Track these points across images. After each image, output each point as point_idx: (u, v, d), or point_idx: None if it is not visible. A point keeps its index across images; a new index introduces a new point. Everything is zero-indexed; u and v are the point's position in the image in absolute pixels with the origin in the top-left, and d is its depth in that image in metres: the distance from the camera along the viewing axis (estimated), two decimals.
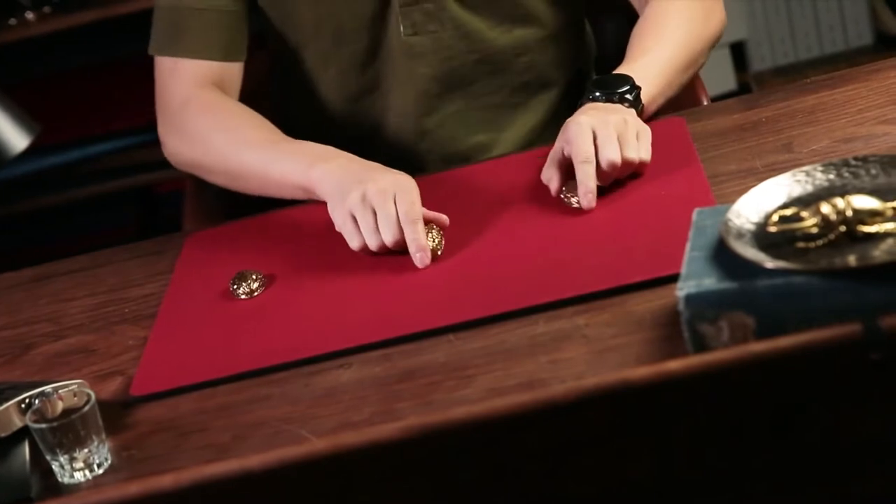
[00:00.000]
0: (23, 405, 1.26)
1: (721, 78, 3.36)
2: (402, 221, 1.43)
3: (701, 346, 1.15)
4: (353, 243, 1.47)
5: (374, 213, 1.45)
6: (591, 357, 1.21)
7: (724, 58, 3.40)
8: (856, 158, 1.25)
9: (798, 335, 1.10)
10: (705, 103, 1.77)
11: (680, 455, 1.15)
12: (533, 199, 1.50)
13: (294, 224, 1.61)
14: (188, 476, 1.16)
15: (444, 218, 1.47)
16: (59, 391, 1.26)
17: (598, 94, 1.55)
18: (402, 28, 1.67)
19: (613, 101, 1.54)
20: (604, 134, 1.46)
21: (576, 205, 1.44)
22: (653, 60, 1.60)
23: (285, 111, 1.83)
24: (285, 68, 1.79)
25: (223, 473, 1.16)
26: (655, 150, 1.53)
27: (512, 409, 1.14)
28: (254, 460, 1.15)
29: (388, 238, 1.44)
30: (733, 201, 1.24)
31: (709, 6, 1.67)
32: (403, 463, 1.16)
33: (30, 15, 3.07)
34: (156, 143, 1.75)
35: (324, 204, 1.63)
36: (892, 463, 1.15)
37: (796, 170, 1.26)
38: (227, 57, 1.70)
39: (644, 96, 1.56)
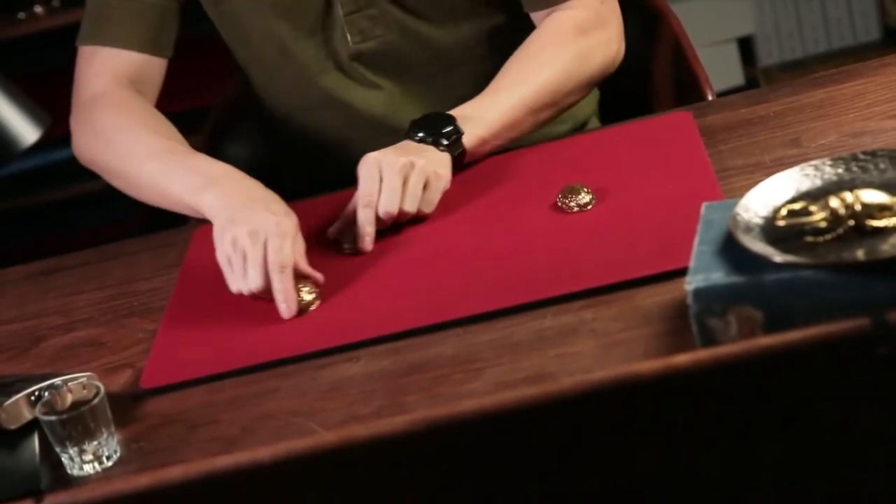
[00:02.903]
0: (32, 397, 1.26)
1: (728, 72, 3.36)
2: (269, 268, 1.38)
3: (709, 340, 1.15)
4: (230, 286, 1.42)
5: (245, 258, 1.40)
6: (598, 351, 1.21)
7: (732, 52, 3.39)
8: (864, 153, 1.25)
9: (806, 329, 1.10)
10: (710, 98, 1.76)
11: (687, 448, 1.16)
12: (540, 193, 1.50)
13: (302, 217, 1.61)
14: (197, 468, 1.17)
15: (319, 276, 1.40)
16: (69, 384, 1.26)
17: (414, 133, 1.53)
18: (349, 37, 1.65)
19: (427, 143, 1.52)
20: (388, 178, 1.45)
21: (576, 210, 1.45)
22: (502, 100, 1.56)
23: (262, 117, 1.80)
24: (246, 80, 1.77)
25: (232, 466, 1.16)
26: (663, 145, 1.53)
27: (520, 403, 1.14)
28: (262, 453, 1.16)
29: (253, 284, 1.38)
30: (741, 195, 1.24)
31: (596, 43, 1.62)
32: (411, 455, 1.16)
33: (38, 9, 3.07)
34: None
35: (330, 197, 1.63)
36: None
37: (805, 164, 1.26)
38: (149, 50, 1.66)
39: (472, 139, 1.54)
